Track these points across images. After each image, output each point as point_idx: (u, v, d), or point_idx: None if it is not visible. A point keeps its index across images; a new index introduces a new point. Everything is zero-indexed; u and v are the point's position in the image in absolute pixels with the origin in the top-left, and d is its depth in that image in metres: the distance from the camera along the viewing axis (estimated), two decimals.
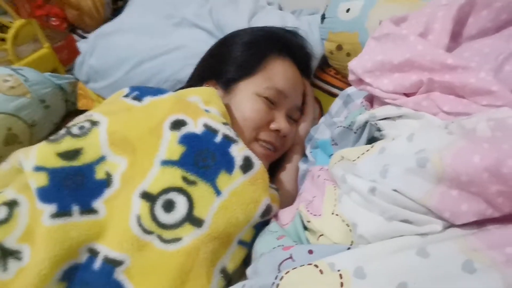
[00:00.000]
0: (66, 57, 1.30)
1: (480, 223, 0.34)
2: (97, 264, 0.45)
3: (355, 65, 0.54)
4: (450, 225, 0.35)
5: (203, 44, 0.87)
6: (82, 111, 1.07)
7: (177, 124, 0.52)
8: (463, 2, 0.47)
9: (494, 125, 0.36)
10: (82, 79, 1.02)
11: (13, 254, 0.44)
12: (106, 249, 0.46)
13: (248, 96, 0.66)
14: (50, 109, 0.99)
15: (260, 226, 0.54)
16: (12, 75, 0.93)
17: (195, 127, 0.53)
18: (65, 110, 1.07)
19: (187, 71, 0.83)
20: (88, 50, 0.98)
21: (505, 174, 0.31)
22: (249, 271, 0.45)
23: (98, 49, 0.97)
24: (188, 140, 0.51)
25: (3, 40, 1.05)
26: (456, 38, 0.50)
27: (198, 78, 0.74)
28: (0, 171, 0.53)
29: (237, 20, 0.91)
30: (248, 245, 0.52)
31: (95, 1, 1.42)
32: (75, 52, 1.31)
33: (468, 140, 0.35)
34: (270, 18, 0.91)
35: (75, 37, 1.45)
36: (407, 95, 0.50)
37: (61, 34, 1.37)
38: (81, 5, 1.40)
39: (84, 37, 1.48)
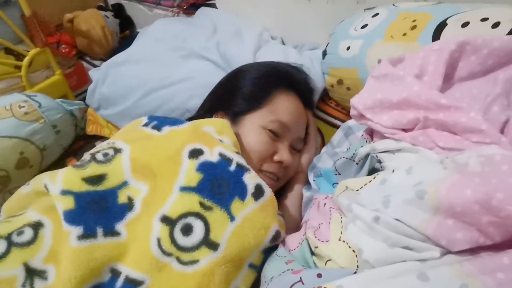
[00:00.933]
0: (75, 83, 1.36)
1: (474, 251, 0.38)
2: (119, 283, 0.48)
3: (356, 102, 0.58)
4: (447, 252, 0.39)
5: (210, 75, 0.92)
6: (90, 136, 1.12)
7: (195, 153, 0.56)
8: (454, 48, 0.53)
9: (484, 161, 0.40)
10: (93, 106, 1.06)
11: (39, 274, 0.47)
12: (128, 269, 0.49)
13: (253, 128, 0.70)
14: (60, 133, 1.03)
15: (268, 251, 0.57)
16: (27, 101, 0.97)
17: (211, 155, 0.56)
18: (74, 135, 1.11)
19: (195, 101, 0.88)
20: (100, 79, 1.02)
21: (495, 206, 0.35)
22: None
23: (110, 78, 1.02)
24: (205, 168, 0.55)
25: (18, 67, 1.10)
26: (448, 79, 0.54)
27: (207, 109, 0.79)
28: (20, 194, 0.57)
29: (242, 53, 0.96)
30: (257, 268, 0.55)
31: (104, 30, 1.50)
32: (84, 78, 1.37)
33: (461, 175, 0.39)
34: (274, 53, 0.96)
35: (84, 63, 1.51)
36: (405, 130, 0.54)
37: (71, 61, 1.43)
38: (91, 34, 1.47)
39: (92, 64, 1.54)
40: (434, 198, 0.38)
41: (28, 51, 1.13)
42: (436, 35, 0.64)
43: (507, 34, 0.55)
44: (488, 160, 0.40)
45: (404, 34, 0.70)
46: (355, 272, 0.40)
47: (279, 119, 0.71)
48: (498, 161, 0.39)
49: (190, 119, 0.74)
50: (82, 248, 0.47)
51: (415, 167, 0.44)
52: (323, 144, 0.86)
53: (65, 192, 0.51)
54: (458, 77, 0.54)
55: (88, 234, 0.48)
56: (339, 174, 0.61)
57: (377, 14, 0.78)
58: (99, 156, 0.56)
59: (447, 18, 0.65)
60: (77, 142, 1.14)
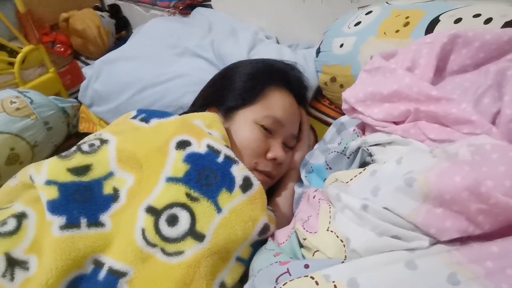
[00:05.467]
0: (69, 81, 1.35)
1: (463, 240, 0.37)
2: (102, 275, 0.47)
3: (348, 95, 0.58)
4: (436, 241, 0.38)
5: (204, 72, 0.92)
6: (82, 134, 1.11)
7: (182, 144, 0.55)
8: (446, 41, 0.52)
9: (474, 150, 0.39)
10: (86, 103, 1.05)
11: (21, 264, 0.46)
12: (111, 260, 0.48)
13: (246, 123, 0.69)
14: (52, 130, 1.02)
15: (257, 245, 0.56)
16: (18, 97, 0.96)
17: (199, 147, 0.56)
18: (66, 133, 1.10)
19: (189, 98, 0.87)
20: (93, 75, 1.02)
21: (484, 193, 0.35)
22: (246, 286, 0.47)
23: (103, 74, 1.01)
24: (192, 159, 0.54)
25: (11, 64, 1.10)
26: (440, 73, 0.54)
27: (200, 105, 0.78)
28: (8, 186, 0.56)
29: (236, 52, 0.96)
30: (245, 262, 0.55)
31: (100, 30, 1.50)
32: (78, 77, 1.37)
33: (451, 163, 0.38)
34: (268, 51, 0.96)
35: (79, 63, 1.51)
36: (396, 123, 0.53)
37: (65, 60, 1.42)
38: (86, 34, 1.47)
39: (87, 64, 1.54)
40: (423, 185, 0.37)
41: (21, 48, 1.13)
42: (429, 32, 0.64)
43: None
44: (478, 149, 0.39)
45: (397, 31, 0.70)
46: (343, 262, 0.40)
47: (273, 115, 0.70)
48: (488, 150, 0.39)
49: (182, 114, 0.73)
50: (64, 238, 0.46)
51: (405, 158, 0.44)
52: (316, 142, 0.86)
53: (49, 182, 0.50)
54: (449, 70, 0.54)
55: (71, 224, 0.48)
56: (330, 168, 0.60)
57: (371, 11, 0.78)
58: (85, 147, 0.55)
59: (440, 14, 0.65)
60: (69, 140, 1.13)
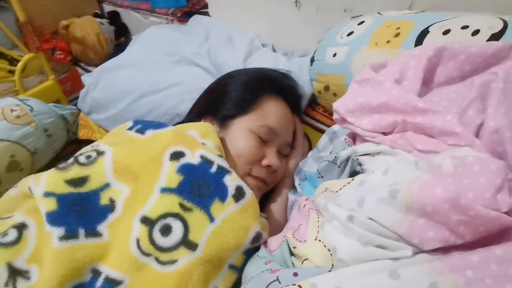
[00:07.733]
0: (69, 88, 1.37)
1: (445, 250, 0.38)
2: (99, 283, 0.49)
3: (338, 106, 0.59)
4: (419, 251, 0.39)
5: (200, 80, 0.93)
6: (82, 141, 1.13)
7: (176, 155, 0.57)
8: (432, 54, 0.54)
9: (457, 162, 0.41)
10: (85, 110, 1.07)
11: (22, 274, 0.47)
12: (108, 269, 0.49)
13: (242, 132, 0.71)
14: (52, 137, 1.04)
15: (250, 252, 0.57)
16: (19, 105, 0.98)
17: (192, 158, 0.57)
18: (66, 139, 1.12)
19: (185, 105, 0.89)
20: (92, 83, 1.03)
21: (464, 205, 0.36)
22: None
23: (102, 82, 1.02)
24: (186, 169, 0.56)
25: (12, 72, 1.11)
26: (427, 84, 0.56)
27: (196, 114, 0.79)
28: (9, 196, 0.57)
29: (233, 60, 0.97)
30: (238, 269, 0.56)
31: (99, 37, 1.52)
32: (78, 84, 1.38)
33: (433, 175, 0.40)
34: (264, 59, 0.98)
35: (78, 70, 1.52)
36: (384, 133, 0.55)
37: (65, 67, 1.44)
38: (86, 41, 1.49)
39: (87, 71, 1.55)
40: (406, 197, 0.39)
41: (22, 56, 1.14)
42: (419, 42, 0.65)
43: (486, 41, 0.56)
44: (460, 161, 0.41)
45: (388, 42, 0.72)
46: (330, 271, 0.41)
47: (267, 124, 0.71)
48: (470, 162, 0.40)
49: (178, 124, 0.75)
50: (63, 248, 0.48)
51: (391, 168, 0.45)
52: (310, 149, 0.87)
53: (47, 194, 0.52)
54: (437, 82, 0.56)
55: (70, 234, 0.49)
56: (322, 177, 0.61)
57: (363, 22, 0.80)
58: (82, 159, 0.57)
59: (429, 26, 0.66)
60: (69, 146, 1.15)
